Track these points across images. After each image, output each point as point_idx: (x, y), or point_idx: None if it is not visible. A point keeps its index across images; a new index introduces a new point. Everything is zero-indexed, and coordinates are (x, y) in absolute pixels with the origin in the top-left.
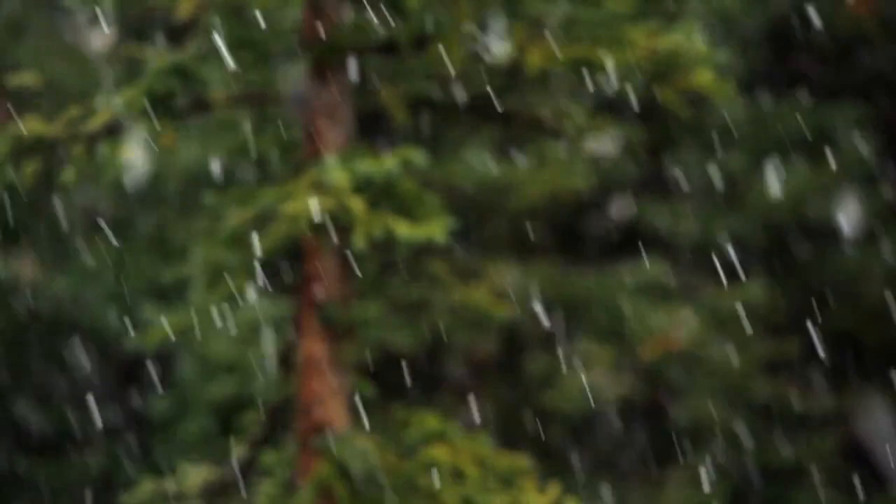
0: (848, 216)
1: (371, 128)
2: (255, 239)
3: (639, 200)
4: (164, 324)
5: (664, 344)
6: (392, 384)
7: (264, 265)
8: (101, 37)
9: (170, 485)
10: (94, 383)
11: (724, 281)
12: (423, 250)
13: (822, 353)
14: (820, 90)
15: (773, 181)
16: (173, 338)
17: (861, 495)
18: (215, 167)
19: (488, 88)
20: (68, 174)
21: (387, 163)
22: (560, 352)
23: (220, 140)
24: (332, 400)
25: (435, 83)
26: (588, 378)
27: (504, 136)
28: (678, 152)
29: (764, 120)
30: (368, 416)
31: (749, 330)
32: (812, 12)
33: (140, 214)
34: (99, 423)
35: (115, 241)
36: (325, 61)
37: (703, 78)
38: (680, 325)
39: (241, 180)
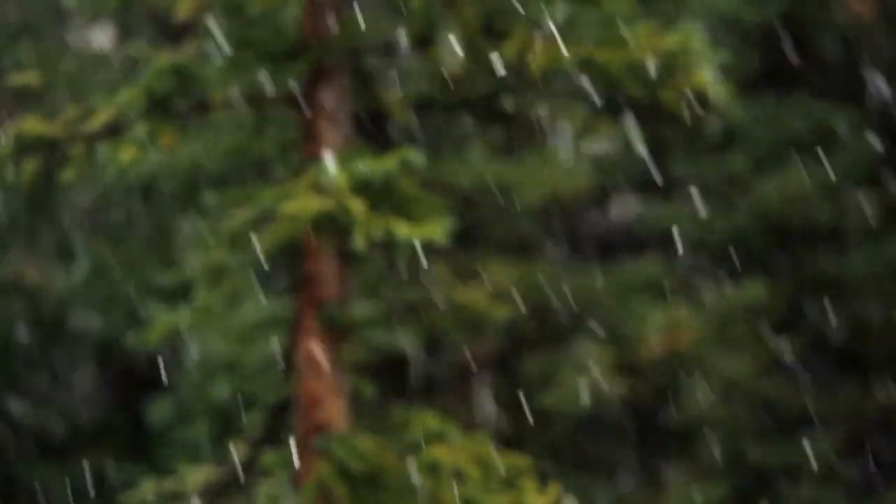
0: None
1: (371, 128)
2: (256, 239)
3: (639, 200)
4: (165, 322)
5: (664, 344)
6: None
7: (264, 265)
8: (100, 37)
9: (170, 485)
10: (94, 384)
11: (724, 281)
12: (423, 250)
13: (821, 352)
14: (820, 90)
15: (774, 181)
16: (173, 336)
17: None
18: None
19: (489, 89)
20: (68, 174)
21: (386, 163)
22: (560, 352)
23: (220, 140)
24: (332, 400)
25: (436, 84)
26: (588, 378)
27: (504, 136)
28: (678, 152)
29: (764, 120)
30: (368, 416)
31: (749, 330)
32: (812, 12)
33: (140, 214)
34: (99, 423)
35: (115, 242)
36: (325, 61)
37: (703, 78)
38: (680, 325)
39: (241, 180)
